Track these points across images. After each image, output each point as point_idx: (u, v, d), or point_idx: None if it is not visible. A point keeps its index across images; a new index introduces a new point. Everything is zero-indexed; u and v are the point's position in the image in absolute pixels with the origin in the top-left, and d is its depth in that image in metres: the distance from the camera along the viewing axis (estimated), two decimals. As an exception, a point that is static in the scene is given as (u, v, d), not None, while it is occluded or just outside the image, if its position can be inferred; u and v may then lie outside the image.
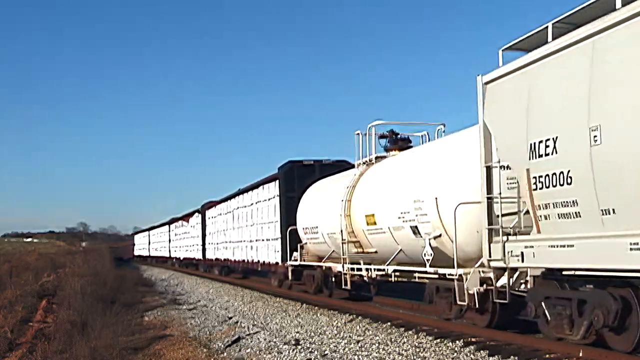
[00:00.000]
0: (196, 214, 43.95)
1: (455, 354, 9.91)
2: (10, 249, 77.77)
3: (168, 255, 60.20)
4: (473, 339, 10.76)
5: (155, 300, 24.89)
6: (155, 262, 68.42)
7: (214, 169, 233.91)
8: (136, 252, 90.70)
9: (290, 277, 21.17)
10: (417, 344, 10.85)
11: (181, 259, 51.64)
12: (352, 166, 19.22)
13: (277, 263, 22.72)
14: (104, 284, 26.86)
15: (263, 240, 24.81)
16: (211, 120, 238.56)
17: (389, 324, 13.11)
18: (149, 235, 79.25)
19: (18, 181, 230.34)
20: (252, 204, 26.97)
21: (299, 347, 11.73)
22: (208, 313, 19.33)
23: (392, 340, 11.45)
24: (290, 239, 20.80)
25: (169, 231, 59.67)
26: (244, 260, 28.70)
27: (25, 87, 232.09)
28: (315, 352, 11.04)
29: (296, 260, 20.43)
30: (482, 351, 9.77)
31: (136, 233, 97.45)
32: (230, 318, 17.30)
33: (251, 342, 13.09)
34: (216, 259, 36.16)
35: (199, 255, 42.00)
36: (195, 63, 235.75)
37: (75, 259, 46.44)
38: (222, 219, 34.15)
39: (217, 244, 35.74)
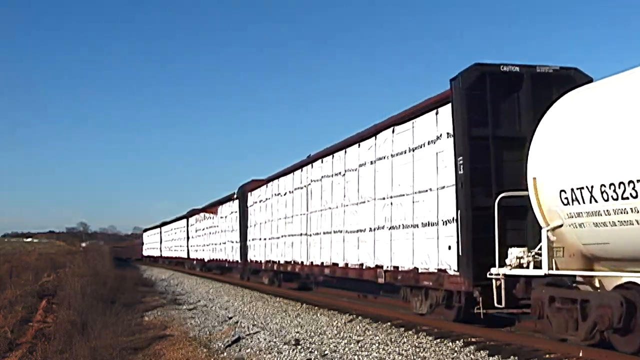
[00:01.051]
0: (229, 202, 33.39)
1: (455, 354, 9.91)
2: (10, 249, 77.70)
3: (186, 256, 49.48)
4: (473, 339, 10.75)
5: (155, 300, 24.89)
6: (168, 264, 58.95)
7: (214, 170, 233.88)
8: (145, 252, 79.86)
9: (501, 301, 10.19)
10: (417, 344, 10.85)
11: (205, 260, 40.99)
12: (587, 78, 11.24)
13: (442, 271, 12.00)
14: (104, 284, 26.87)
15: (398, 227, 13.72)
16: (210, 121, 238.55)
17: (389, 324, 13.10)
18: (160, 233, 66.95)
19: (18, 181, 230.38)
20: (359, 167, 16.03)
21: (299, 347, 11.73)
22: (208, 313, 19.33)
23: (392, 340, 11.44)
24: (504, 221, 10.58)
25: (187, 226, 48.72)
26: (323, 265, 18.36)
27: (25, 86, 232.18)
28: (315, 352, 11.04)
29: (522, 264, 9.78)
30: (482, 351, 9.77)
31: (146, 230, 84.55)
32: (230, 318, 17.30)
33: (251, 342, 13.10)
34: (267, 262, 25.11)
35: (235, 256, 31.36)
36: (195, 63, 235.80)
37: (75, 259, 46.45)
38: (281, 201, 23.09)
39: (271, 239, 24.47)
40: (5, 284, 25.42)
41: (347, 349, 11.11)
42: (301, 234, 20.65)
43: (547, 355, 9.26)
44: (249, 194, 28.76)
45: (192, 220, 47.05)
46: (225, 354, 12.49)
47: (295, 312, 16.78)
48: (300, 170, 21.22)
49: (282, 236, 23.00)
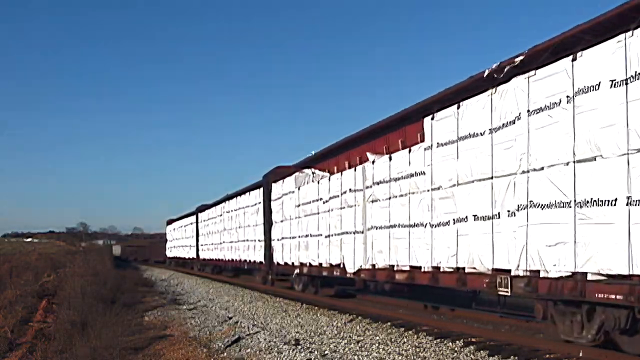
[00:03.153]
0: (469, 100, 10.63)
1: (455, 354, 9.92)
2: (10, 249, 77.64)
3: (259, 259, 25.32)
4: (473, 339, 10.76)
5: (156, 300, 24.87)
6: (212, 272, 39.01)
7: (214, 169, 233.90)
8: (170, 253, 57.47)
9: None
10: (417, 344, 10.85)
11: (339, 269, 16.76)
12: None
13: None
14: (104, 284, 26.86)
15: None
16: (210, 121, 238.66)
17: (389, 324, 13.11)
18: (196, 222, 43.48)
19: (18, 181, 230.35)
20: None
21: (299, 347, 11.73)
22: (208, 313, 19.32)
23: (392, 340, 11.45)
24: None
25: (264, 202, 24.39)
26: None
27: (25, 87, 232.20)
28: (315, 352, 11.04)
29: None
30: (482, 351, 9.77)
31: (170, 222, 59.59)
32: (230, 318, 17.29)
33: (251, 342, 13.09)
34: None
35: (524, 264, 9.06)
36: (196, 63, 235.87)
37: (76, 259, 46.42)
38: None
39: None
40: (5, 284, 25.44)
41: (347, 349, 11.11)
42: None
43: (547, 355, 9.27)
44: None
45: (276, 190, 23.08)
46: (225, 354, 12.49)
47: (295, 312, 16.78)
48: None
49: None
